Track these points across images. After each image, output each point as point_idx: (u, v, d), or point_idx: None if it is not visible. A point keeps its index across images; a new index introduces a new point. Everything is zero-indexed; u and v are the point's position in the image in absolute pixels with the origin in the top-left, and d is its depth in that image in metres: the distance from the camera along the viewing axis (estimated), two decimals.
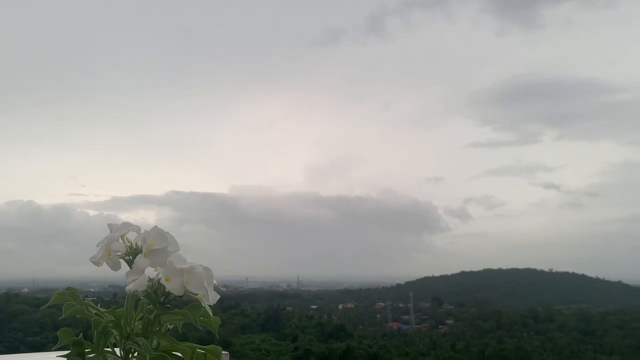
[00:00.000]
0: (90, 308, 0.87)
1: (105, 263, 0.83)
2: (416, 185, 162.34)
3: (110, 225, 0.85)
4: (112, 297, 29.65)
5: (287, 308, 42.96)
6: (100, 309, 0.88)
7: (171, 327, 0.91)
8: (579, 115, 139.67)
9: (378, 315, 46.91)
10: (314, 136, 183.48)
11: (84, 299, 0.87)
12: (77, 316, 0.85)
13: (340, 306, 50.71)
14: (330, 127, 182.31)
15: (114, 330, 0.84)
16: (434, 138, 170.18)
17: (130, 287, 0.79)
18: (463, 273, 72.58)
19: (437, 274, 74.63)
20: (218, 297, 0.85)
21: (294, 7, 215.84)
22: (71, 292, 0.86)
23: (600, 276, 67.84)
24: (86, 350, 0.84)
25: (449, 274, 73.58)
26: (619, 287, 62.51)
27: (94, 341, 0.81)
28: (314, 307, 48.74)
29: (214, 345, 0.90)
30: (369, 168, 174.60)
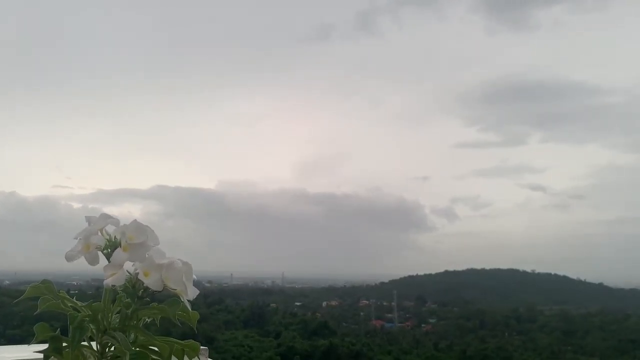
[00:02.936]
0: (66, 302, 0.85)
1: (82, 257, 0.81)
2: (403, 183, 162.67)
3: (88, 218, 0.83)
4: (95, 291, 29.36)
5: (271, 304, 42.93)
6: (77, 302, 0.86)
7: (149, 320, 0.89)
8: (565, 117, 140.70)
9: (362, 313, 47.04)
10: (302, 132, 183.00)
11: (59, 292, 0.85)
12: (52, 310, 0.83)
13: (324, 303, 50.76)
14: (318, 124, 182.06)
15: (90, 325, 0.82)
16: (421, 137, 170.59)
17: (108, 282, 0.77)
18: (447, 272, 72.99)
19: (421, 272, 74.96)
20: (197, 292, 0.84)
21: (284, 2, 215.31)
22: (47, 285, 0.85)
23: (582, 278, 68.70)
24: (63, 345, 0.82)
25: (433, 272, 73.96)
26: (600, 289, 63.30)
27: (69, 336, 0.79)
28: (298, 304, 48.74)
29: (192, 341, 0.89)
30: (357, 165, 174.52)
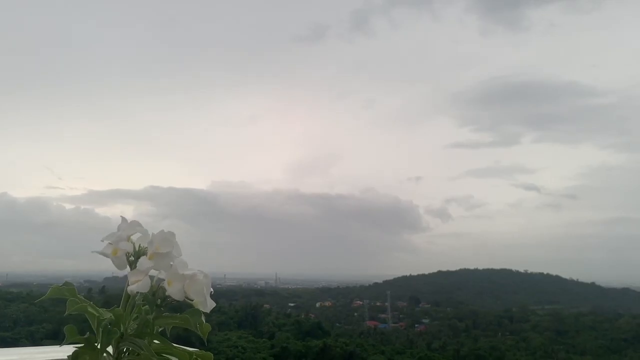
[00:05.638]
0: (86, 305, 0.87)
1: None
2: (397, 184, 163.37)
3: (122, 220, 0.85)
4: (87, 293, 29.28)
5: (265, 305, 42.91)
6: (95, 306, 0.88)
7: (161, 329, 0.91)
8: (558, 118, 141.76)
9: (355, 314, 47.14)
10: (296, 133, 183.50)
11: (78, 295, 0.87)
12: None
13: (318, 304, 50.80)
14: (312, 124, 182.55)
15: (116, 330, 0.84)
16: (415, 137, 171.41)
17: (132, 288, 0.80)
18: (440, 272, 73.19)
19: (414, 273, 75.19)
20: (214, 304, 0.86)
21: (279, 3, 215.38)
22: (69, 288, 0.86)
23: (575, 277, 69.10)
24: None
25: (426, 273, 74.19)
26: (592, 289, 63.69)
27: (98, 339, 0.81)
28: (291, 304, 48.77)
29: (205, 351, 0.92)
30: (351, 166, 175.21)
